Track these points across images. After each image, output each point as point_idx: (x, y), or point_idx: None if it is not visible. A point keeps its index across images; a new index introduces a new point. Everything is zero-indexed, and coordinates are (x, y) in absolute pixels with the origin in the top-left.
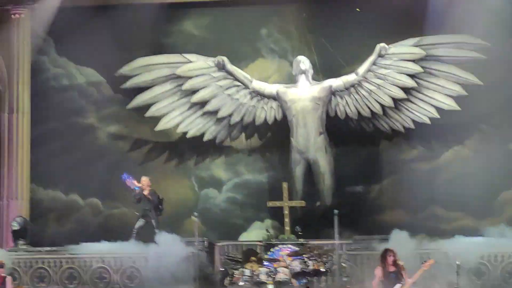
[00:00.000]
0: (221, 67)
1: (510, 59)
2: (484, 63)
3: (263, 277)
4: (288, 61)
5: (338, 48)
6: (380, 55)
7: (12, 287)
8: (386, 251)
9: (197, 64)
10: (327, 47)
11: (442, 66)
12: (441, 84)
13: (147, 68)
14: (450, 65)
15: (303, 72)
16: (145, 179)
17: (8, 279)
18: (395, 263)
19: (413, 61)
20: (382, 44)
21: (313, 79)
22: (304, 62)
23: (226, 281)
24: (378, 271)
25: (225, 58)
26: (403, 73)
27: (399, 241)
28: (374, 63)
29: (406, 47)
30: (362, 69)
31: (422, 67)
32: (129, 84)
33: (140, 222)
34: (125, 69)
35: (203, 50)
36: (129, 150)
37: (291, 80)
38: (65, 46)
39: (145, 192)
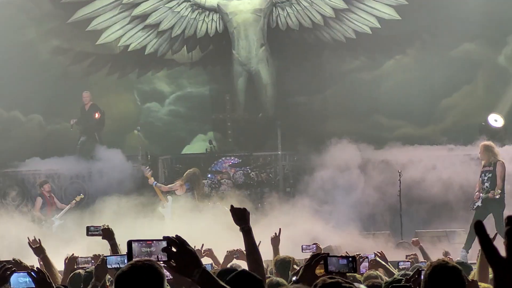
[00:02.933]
0: None
1: None
2: None
3: (206, 190)
4: None
5: None
6: None
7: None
8: None
9: None
10: None
11: None
12: None
13: None
14: None
15: None
16: (86, 94)
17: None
18: None
19: None
20: None
21: None
22: None
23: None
24: None
25: None
26: None
27: (341, 149)
28: None
29: None
30: None
31: None
32: None
33: (83, 138)
34: None
35: None
36: (70, 65)
37: None
38: None
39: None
